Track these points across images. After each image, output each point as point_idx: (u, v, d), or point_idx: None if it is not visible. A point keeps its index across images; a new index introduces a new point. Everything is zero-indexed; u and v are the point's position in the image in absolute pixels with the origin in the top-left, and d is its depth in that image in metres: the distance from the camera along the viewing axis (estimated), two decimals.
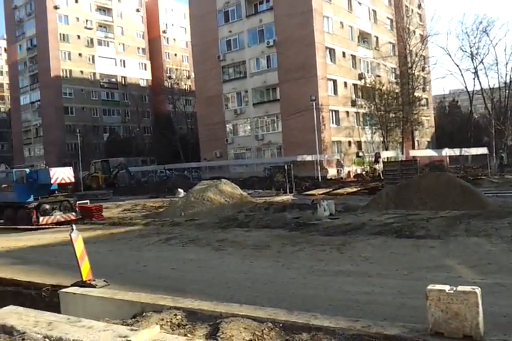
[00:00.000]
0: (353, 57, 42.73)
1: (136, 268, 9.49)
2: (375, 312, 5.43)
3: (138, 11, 68.59)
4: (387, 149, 39.61)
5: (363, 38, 44.98)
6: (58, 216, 18.44)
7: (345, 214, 15.38)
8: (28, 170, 20.04)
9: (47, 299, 7.58)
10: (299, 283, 7.32)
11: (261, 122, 42.65)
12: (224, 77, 44.68)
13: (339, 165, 38.63)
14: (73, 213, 18.93)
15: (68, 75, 60.56)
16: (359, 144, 41.95)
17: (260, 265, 8.94)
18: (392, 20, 48.48)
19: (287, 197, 23.53)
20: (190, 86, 63.17)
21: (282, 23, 39.29)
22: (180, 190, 28.10)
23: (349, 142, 41.29)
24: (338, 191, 24.92)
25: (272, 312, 5.10)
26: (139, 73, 68.27)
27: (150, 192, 31.70)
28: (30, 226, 17.34)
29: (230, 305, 5.52)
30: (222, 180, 21.73)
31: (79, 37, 61.82)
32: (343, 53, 41.38)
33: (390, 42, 47.59)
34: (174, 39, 71.41)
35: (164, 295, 6.38)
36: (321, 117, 37.14)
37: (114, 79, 65.75)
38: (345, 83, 41.37)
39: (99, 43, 64.50)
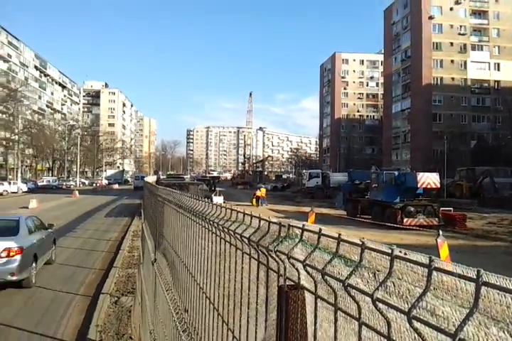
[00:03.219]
0: None
1: None
2: None
3: None
4: None
5: None
6: (421, 219, 18.95)
7: None
8: (396, 173, 21.51)
9: None
10: None
11: None
12: None
13: None
14: (436, 219, 19.03)
15: (439, 82, 61.04)
16: None
17: None
18: None
19: None
20: None
21: None
22: None
23: None
24: None
25: None
26: None
27: None
28: (395, 225, 18.61)
29: None
30: None
31: (452, 44, 61.22)
32: None
33: None
34: None
35: None
36: None
37: (486, 84, 61.77)
38: None
39: (473, 48, 61.92)
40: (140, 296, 5.89)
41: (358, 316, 0.79)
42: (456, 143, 54.16)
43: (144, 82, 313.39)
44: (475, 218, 22.61)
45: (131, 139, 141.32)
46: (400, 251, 0.71)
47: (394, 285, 0.74)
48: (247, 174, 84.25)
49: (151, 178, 26.75)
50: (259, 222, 1.35)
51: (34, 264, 9.10)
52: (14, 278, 8.32)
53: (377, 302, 0.71)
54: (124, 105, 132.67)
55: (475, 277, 0.56)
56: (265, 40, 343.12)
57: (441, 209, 19.66)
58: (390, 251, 0.72)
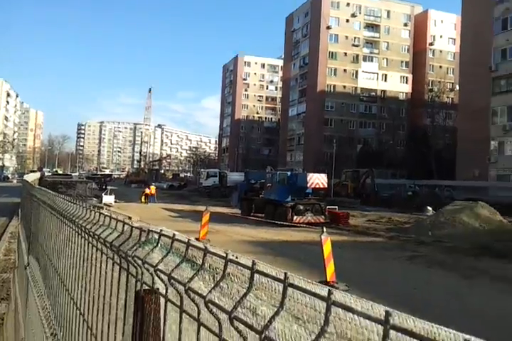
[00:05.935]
0: None
1: (377, 280, 9.58)
2: None
3: (406, 25, 68.24)
4: None
5: None
6: (309, 217, 20.07)
7: None
8: (289, 173, 22.47)
9: None
10: None
11: None
12: (494, 89, 40.15)
13: None
14: (322, 216, 20.30)
15: (332, 90, 65.05)
16: None
17: None
18: None
19: None
20: (452, 99, 59.24)
21: None
22: (429, 207, 26.73)
23: None
24: None
25: None
26: (399, 87, 67.84)
27: (396, 206, 31.13)
28: (285, 223, 19.44)
29: None
30: (480, 202, 19.60)
31: (346, 54, 65.63)
32: None
33: None
34: (441, 51, 68.14)
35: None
36: None
37: (373, 93, 67.17)
38: None
39: (364, 59, 66.91)
40: (14, 303, 5.44)
41: (197, 317, 0.84)
42: (344, 146, 58.08)
43: (33, 70, 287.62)
44: (357, 216, 24.47)
45: (14, 132, 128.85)
46: (233, 255, 0.77)
47: (228, 287, 0.80)
48: (142, 172, 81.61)
49: (32, 176, 24.71)
50: (123, 226, 1.35)
51: None
52: None
53: (209, 304, 0.76)
54: (8, 95, 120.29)
55: (283, 279, 0.63)
56: (170, 37, 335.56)
57: (328, 207, 21.05)
58: (224, 255, 0.77)
